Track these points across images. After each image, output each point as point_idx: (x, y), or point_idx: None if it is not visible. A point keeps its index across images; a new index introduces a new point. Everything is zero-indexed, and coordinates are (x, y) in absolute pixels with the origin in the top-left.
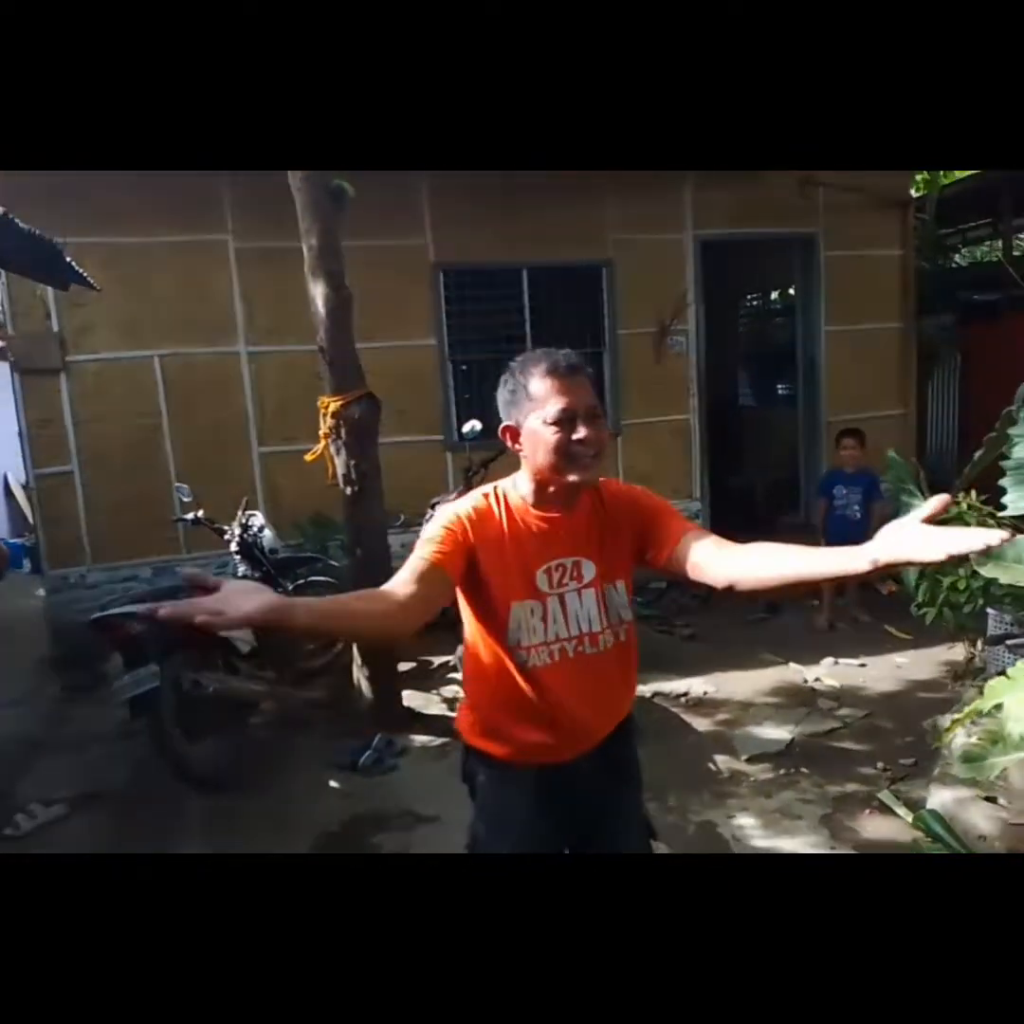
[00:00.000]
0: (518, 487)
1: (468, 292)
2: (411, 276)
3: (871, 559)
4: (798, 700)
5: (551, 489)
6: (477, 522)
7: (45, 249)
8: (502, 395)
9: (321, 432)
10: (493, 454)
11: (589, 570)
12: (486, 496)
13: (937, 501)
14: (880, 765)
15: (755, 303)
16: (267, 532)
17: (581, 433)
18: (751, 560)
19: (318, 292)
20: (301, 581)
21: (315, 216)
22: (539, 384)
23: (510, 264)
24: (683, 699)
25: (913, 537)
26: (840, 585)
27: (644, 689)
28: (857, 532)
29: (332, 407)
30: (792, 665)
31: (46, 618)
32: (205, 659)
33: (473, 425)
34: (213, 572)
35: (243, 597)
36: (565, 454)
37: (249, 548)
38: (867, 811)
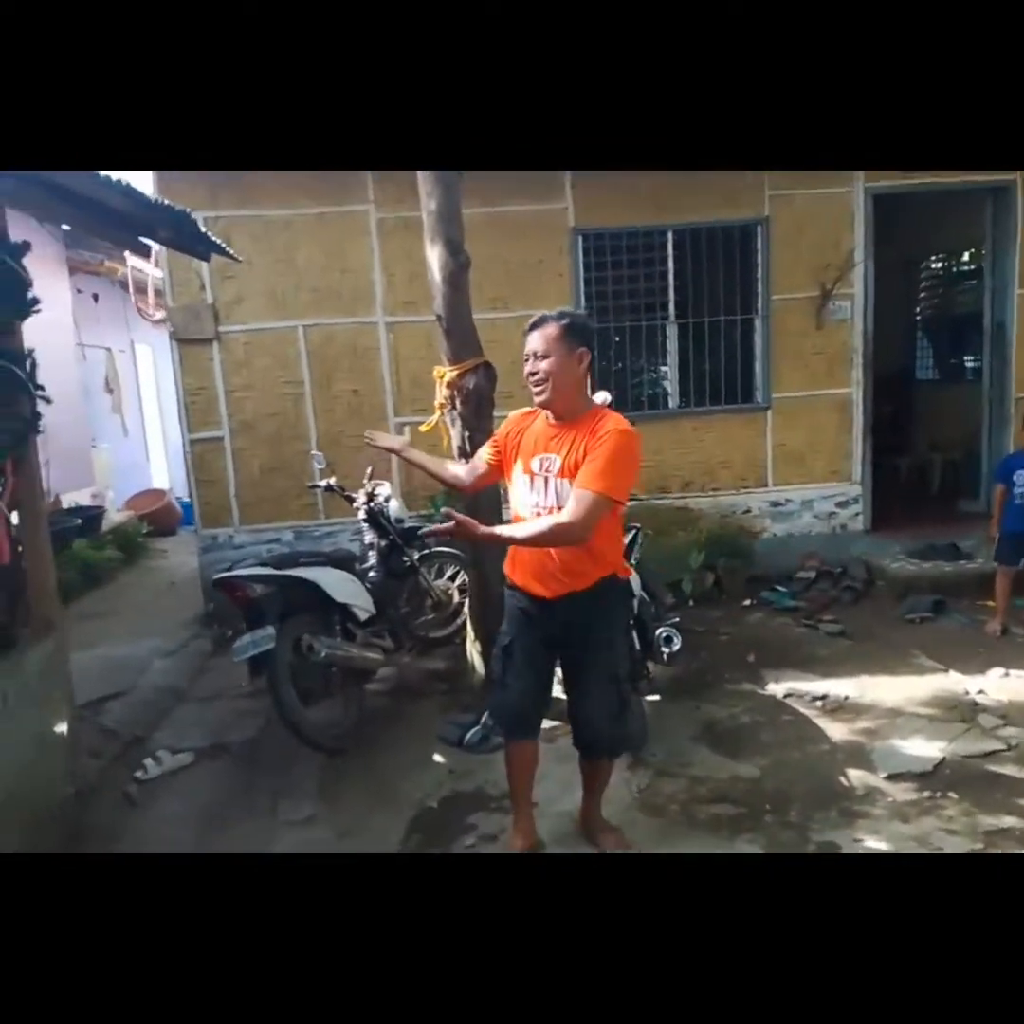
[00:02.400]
0: None
1: (608, 257)
2: (549, 242)
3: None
4: (956, 714)
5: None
6: (513, 426)
7: (182, 220)
8: None
9: (436, 402)
10: None
11: (556, 465)
12: (530, 412)
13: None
14: None
15: (939, 265)
16: (393, 502)
17: (529, 367)
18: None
19: (435, 257)
20: (426, 551)
21: (435, 180)
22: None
23: (654, 226)
24: (820, 702)
25: None
26: (1015, 585)
27: (776, 688)
28: None
29: (447, 376)
30: (953, 673)
31: (199, 575)
32: (322, 624)
33: (601, 396)
34: (348, 539)
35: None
36: (530, 382)
37: (375, 517)
38: None
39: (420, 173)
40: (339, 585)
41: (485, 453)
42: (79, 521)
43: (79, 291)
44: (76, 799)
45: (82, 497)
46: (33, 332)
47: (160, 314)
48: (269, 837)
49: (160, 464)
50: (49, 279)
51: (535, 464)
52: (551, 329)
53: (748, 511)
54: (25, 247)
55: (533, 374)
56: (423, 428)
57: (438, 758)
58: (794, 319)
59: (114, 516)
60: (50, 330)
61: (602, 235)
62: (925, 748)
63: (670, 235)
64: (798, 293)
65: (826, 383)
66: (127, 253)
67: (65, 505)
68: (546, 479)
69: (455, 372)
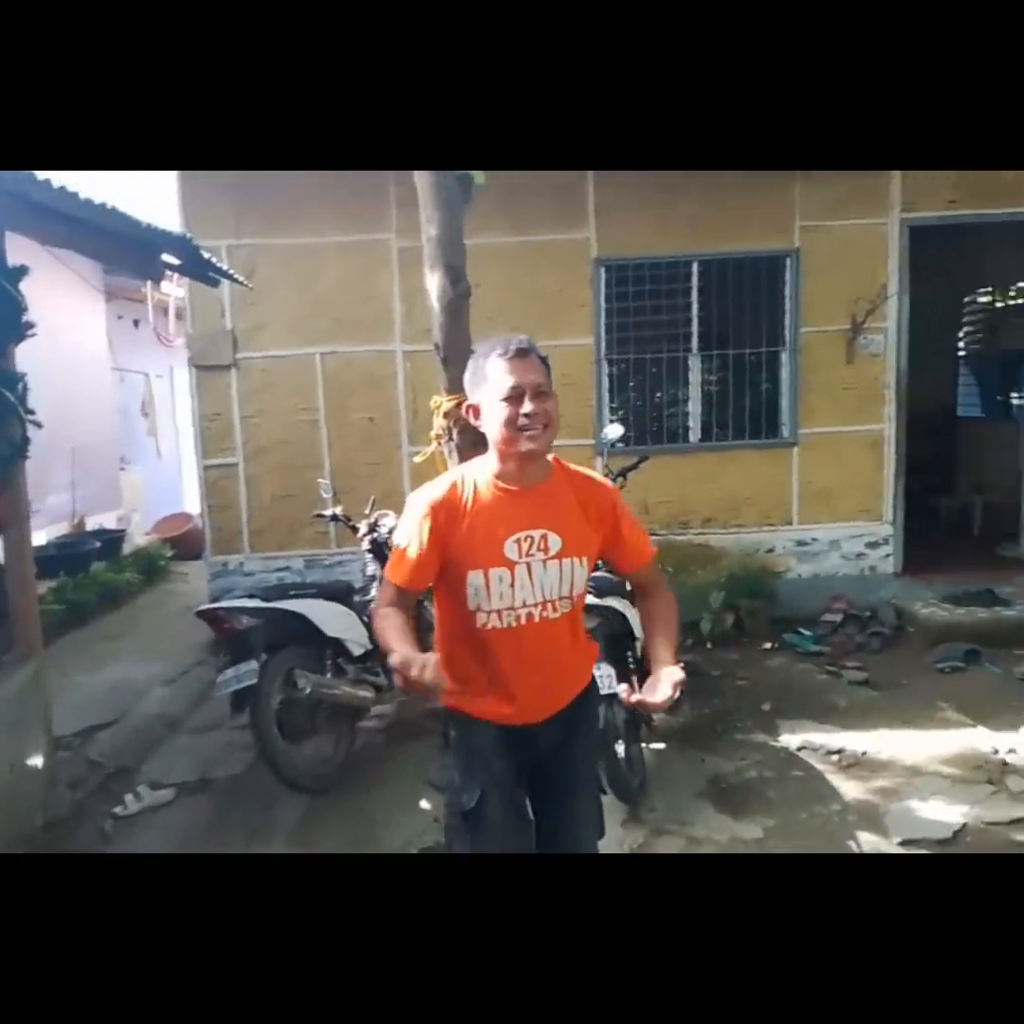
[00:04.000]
0: (487, 465)
1: (631, 287)
2: (571, 272)
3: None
4: (982, 775)
5: (511, 463)
6: (440, 510)
7: (181, 245)
8: (467, 378)
9: (432, 433)
10: (634, 461)
11: (555, 543)
12: (453, 484)
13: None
14: None
15: (987, 299)
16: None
17: (528, 407)
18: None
19: (434, 285)
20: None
21: (436, 205)
22: (493, 365)
23: (679, 256)
24: (835, 757)
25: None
26: None
27: (791, 739)
28: None
29: (444, 407)
30: (982, 729)
31: (208, 602)
32: (312, 658)
33: (613, 429)
34: (360, 569)
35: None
36: (514, 426)
37: (379, 547)
38: None
39: (421, 198)
40: (331, 618)
41: (400, 593)
42: (99, 544)
43: (120, 317)
44: (46, 831)
45: (108, 519)
46: (65, 356)
47: (180, 339)
48: None
49: (193, 488)
50: (84, 304)
51: (511, 549)
52: (540, 361)
53: (772, 550)
54: (22, 271)
55: (533, 416)
56: (418, 459)
57: (425, 804)
58: (824, 353)
59: (138, 539)
60: (84, 355)
61: (625, 265)
62: (945, 812)
63: (695, 265)
64: (829, 326)
65: (857, 419)
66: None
67: (89, 527)
68: (530, 566)
69: (452, 402)
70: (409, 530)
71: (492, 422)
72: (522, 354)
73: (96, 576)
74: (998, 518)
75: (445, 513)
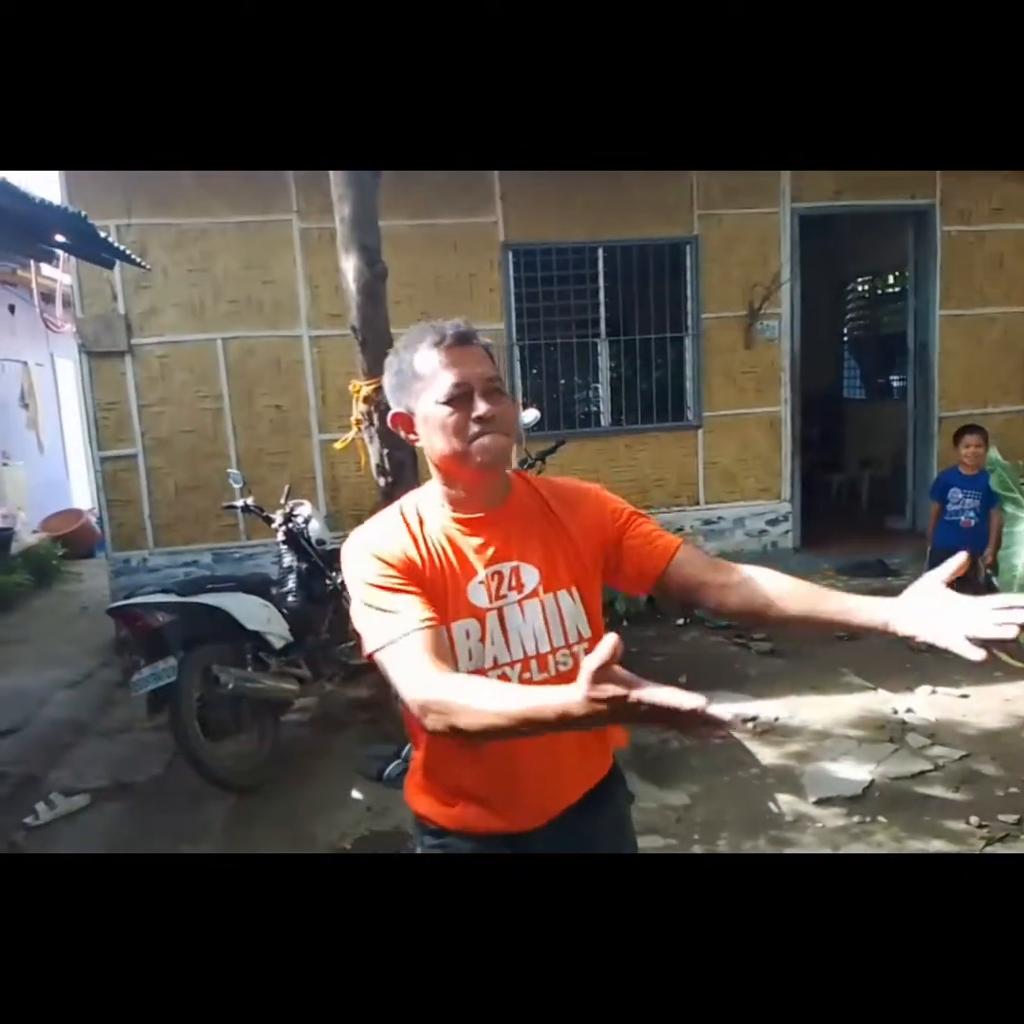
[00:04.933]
0: (432, 494)
1: (539, 273)
2: (480, 256)
3: (885, 621)
4: (884, 734)
5: (462, 484)
6: (395, 554)
7: (76, 224)
8: (388, 380)
9: (353, 418)
10: (552, 445)
11: (530, 576)
12: (402, 518)
13: (956, 562)
14: (974, 820)
15: (865, 286)
16: (315, 522)
17: (480, 409)
18: (764, 586)
19: (350, 267)
20: None
21: (348, 183)
22: (425, 360)
23: (584, 242)
24: (750, 725)
25: (939, 616)
26: None
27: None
28: (969, 541)
29: (364, 391)
30: (881, 692)
31: (110, 601)
32: (232, 653)
33: (529, 414)
34: (270, 561)
35: None
36: (464, 436)
37: (295, 538)
38: None
39: (333, 176)
40: (251, 611)
41: (435, 634)
42: None
43: None
44: None
45: None
46: None
47: (69, 325)
48: None
49: (81, 483)
50: None
51: (478, 594)
52: (484, 349)
53: (681, 529)
54: None
55: (487, 419)
56: (338, 445)
57: (356, 794)
58: (724, 338)
59: (26, 538)
60: None
61: (533, 251)
62: (854, 771)
63: (600, 252)
64: (727, 312)
65: (756, 401)
66: (33, 262)
67: None
68: (502, 611)
69: (372, 386)
70: (383, 576)
71: (433, 434)
72: (463, 340)
73: None
74: (883, 492)
75: (407, 556)
